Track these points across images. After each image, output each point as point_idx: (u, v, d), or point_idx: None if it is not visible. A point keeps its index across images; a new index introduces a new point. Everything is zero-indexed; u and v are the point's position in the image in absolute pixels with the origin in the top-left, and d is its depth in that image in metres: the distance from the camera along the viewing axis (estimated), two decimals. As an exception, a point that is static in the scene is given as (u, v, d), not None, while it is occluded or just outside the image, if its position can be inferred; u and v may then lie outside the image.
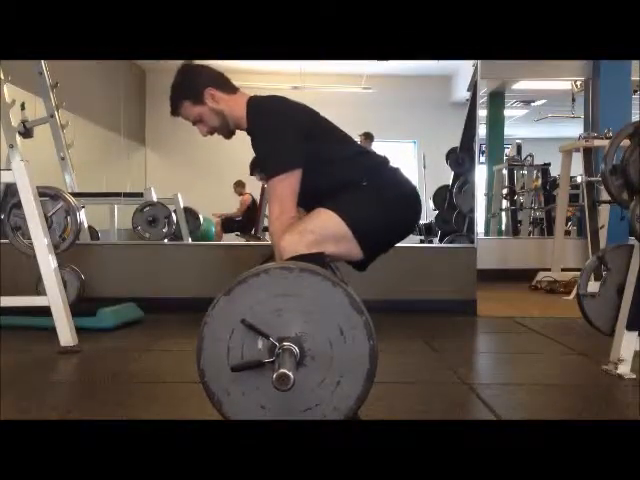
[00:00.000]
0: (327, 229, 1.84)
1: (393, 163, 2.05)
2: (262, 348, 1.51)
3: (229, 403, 1.53)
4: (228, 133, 2.08)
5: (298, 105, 2.02)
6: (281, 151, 1.90)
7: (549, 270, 5.79)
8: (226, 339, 1.51)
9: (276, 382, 1.42)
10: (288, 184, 1.87)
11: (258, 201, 6.68)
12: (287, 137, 1.90)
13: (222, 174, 7.46)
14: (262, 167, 1.97)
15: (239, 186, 7.31)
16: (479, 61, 4.88)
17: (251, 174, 2.10)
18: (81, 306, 3.61)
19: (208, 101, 2.01)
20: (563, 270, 5.73)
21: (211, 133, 2.08)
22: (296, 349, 1.49)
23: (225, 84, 2.05)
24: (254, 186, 6.65)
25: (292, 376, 1.41)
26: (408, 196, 2.01)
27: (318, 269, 1.55)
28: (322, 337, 1.51)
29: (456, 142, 5.43)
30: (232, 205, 7.40)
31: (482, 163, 8.20)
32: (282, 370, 1.42)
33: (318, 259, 1.75)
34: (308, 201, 1.94)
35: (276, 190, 1.87)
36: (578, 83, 7.11)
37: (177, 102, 2.05)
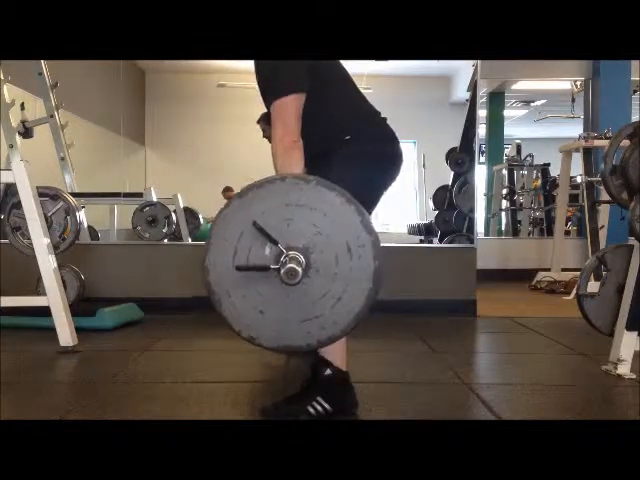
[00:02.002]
0: None
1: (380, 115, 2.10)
2: (269, 254, 1.52)
3: (228, 304, 1.54)
4: None
5: None
6: (285, 73, 1.88)
7: (549, 270, 5.79)
8: (234, 241, 1.52)
9: (285, 275, 1.45)
10: (292, 106, 1.85)
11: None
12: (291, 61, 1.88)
13: (222, 174, 7.46)
14: (266, 90, 1.96)
15: (227, 191, 7.35)
16: (479, 61, 4.88)
17: (257, 122, 2.12)
18: (81, 306, 3.61)
19: None
20: (563, 270, 5.73)
21: None
22: (302, 259, 1.50)
23: None
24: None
25: (300, 271, 1.45)
26: (388, 151, 2.06)
27: (334, 185, 1.55)
28: (329, 251, 1.52)
29: (456, 142, 5.43)
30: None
31: (482, 163, 8.20)
32: (291, 265, 1.46)
33: None
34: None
35: (279, 112, 1.85)
36: (578, 83, 7.11)
37: None
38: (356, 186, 1.92)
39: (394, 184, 2.13)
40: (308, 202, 1.51)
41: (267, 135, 2.09)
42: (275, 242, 1.50)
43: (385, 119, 2.10)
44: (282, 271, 1.46)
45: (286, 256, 1.49)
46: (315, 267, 1.52)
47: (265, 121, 2.09)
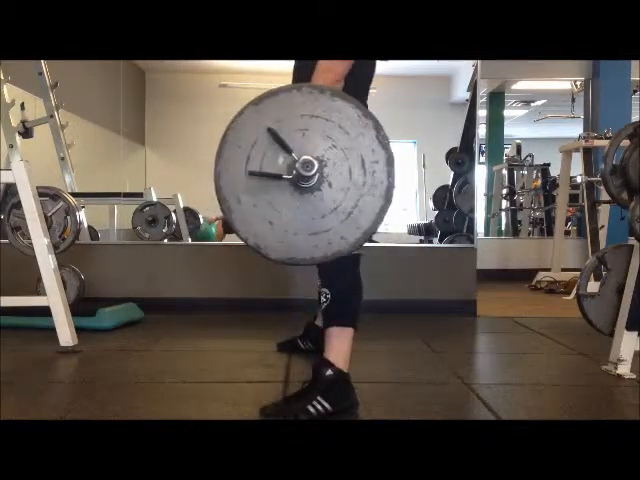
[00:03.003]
0: None
1: None
2: (282, 164, 1.49)
3: (238, 211, 1.52)
4: None
5: None
6: None
7: (549, 270, 5.79)
8: (248, 148, 1.50)
9: (301, 166, 1.43)
10: (340, 64, 1.81)
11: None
12: None
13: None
14: None
15: None
16: (479, 61, 4.88)
17: None
18: (81, 306, 3.61)
19: None
20: (563, 270, 5.73)
21: None
22: (316, 166, 1.48)
23: None
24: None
25: (317, 163, 1.43)
26: None
27: (351, 97, 1.53)
28: (343, 165, 1.50)
29: (456, 142, 5.42)
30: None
31: (482, 163, 8.20)
32: (307, 157, 1.44)
33: None
34: None
35: (327, 67, 1.80)
36: (578, 83, 7.11)
37: None
38: None
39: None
40: (323, 113, 1.48)
41: None
42: (289, 150, 1.47)
43: None
44: (298, 163, 1.44)
45: (300, 164, 1.47)
46: (328, 180, 1.49)
47: None
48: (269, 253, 1.54)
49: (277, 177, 1.48)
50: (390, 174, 1.50)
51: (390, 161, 1.50)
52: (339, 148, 1.49)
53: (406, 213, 7.78)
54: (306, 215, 1.48)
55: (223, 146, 1.51)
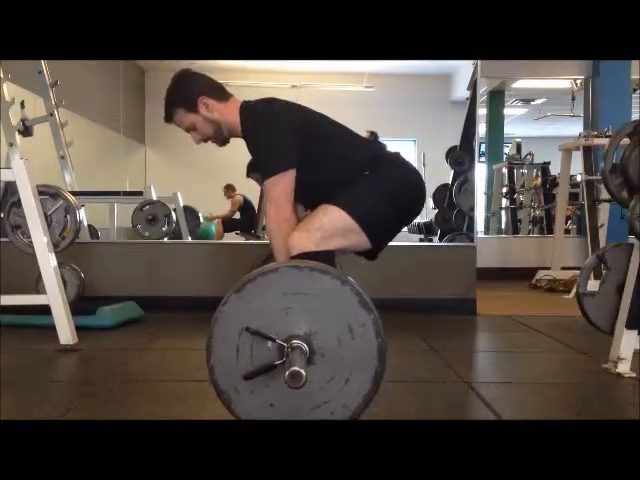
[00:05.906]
0: (333, 224, 1.87)
1: (392, 149, 2.09)
2: (272, 347, 1.51)
3: (238, 401, 1.54)
4: (222, 141, 2.10)
5: (289, 105, 2.03)
6: (273, 152, 1.93)
7: (549, 269, 5.79)
8: (235, 338, 1.52)
9: (289, 380, 1.43)
10: (282, 185, 1.89)
11: (258, 200, 6.69)
12: (278, 138, 1.93)
13: (222, 173, 7.46)
14: (259, 169, 2.00)
15: (229, 189, 7.38)
16: (479, 60, 4.88)
17: (247, 176, 2.25)
18: (81, 305, 3.61)
19: (202, 110, 2.02)
20: (563, 269, 5.73)
21: (204, 141, 2.10)
22: (305, 347, 1.50)
23: (219, 92, 2.06)
24: (251, 188, 6.65)
25: (304, 373, 1.43)
26: (410, 180, 2.04)
27: (327, 268, 1.56)
28: (331, 335, 1.52)
29: (456, 141, 5.43)
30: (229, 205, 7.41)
31: (482, 162, 8.20)
32: (294, 368, 1.42)
33: (326, 257, 1.78)
34: (310, 198, 1.96)
35: (271, 192, 1.90)
36: (578, 82, 7.10)
37: (171, 109, 2.06)
38: (370, 207, 1.93)
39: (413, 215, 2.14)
40: (303, 289, 1.51)
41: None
42: (273, 339, 1.50)
43: (398, 153, 2.09)
44: (286, 376, 1.44)
45: (289, 347, 1.48)
46: (319, 352, 1.51)
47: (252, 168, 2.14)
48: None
49: (270, 368, 1.50)
50: (379, 334, 1.51)
51: (376, 322, 1.51)
52: (324, 319, 1.51)
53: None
54: (305, 390, 1.48)
55: (212, 339, 1.53)
